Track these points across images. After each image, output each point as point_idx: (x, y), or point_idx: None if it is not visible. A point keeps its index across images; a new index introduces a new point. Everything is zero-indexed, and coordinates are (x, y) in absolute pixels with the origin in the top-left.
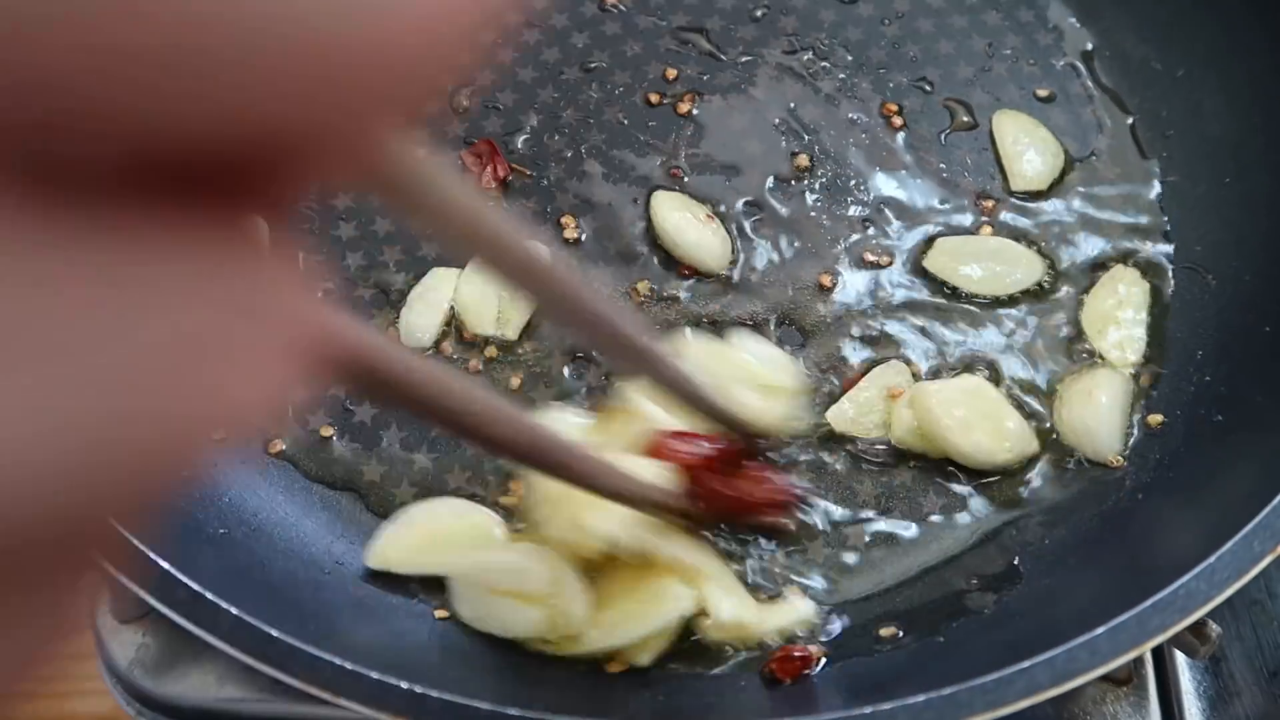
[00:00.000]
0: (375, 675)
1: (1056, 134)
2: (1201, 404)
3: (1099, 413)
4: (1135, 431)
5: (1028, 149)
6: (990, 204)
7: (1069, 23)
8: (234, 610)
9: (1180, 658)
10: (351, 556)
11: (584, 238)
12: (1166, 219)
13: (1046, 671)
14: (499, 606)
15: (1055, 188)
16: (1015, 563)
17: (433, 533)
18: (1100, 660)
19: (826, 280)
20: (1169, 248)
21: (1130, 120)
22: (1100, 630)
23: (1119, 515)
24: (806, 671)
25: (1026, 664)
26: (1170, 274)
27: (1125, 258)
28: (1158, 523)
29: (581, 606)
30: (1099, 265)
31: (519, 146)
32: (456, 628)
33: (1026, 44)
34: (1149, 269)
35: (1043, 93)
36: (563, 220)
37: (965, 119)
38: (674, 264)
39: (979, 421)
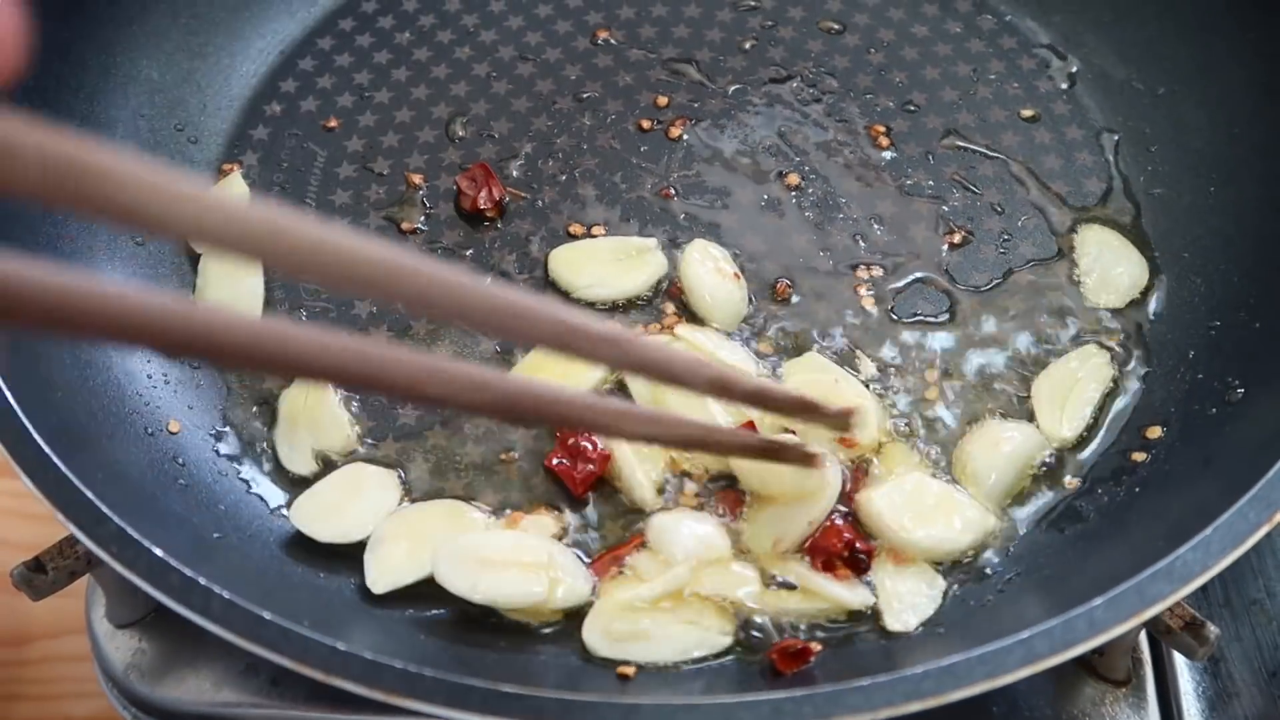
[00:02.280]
0: (369, 655)
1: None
2: (1195, 400)
3: (1000, 463)
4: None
5: (1097, 274)
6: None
7: (1051, 48)
8: (226, 594)
9: (1179, 659)
10: (349, 566)
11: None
12: (1157, 253)
13: (1045, 641)
14: (494, 573)
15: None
16: (1016, 559)
17: (421, 535)
18: (1098, 630)
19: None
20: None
21: (1115, 138)
22: (1098, 601)
23: (1118, 509)
24: (805, 665)
25: (1025, 634)
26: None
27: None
28: (1155, 513)
29: (585, 582)
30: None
31: (513, 172)
32: (456, 633)
33: (1010, 68)
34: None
35: (1027, 114)
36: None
37: (960, 143)
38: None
39: (929, 515)
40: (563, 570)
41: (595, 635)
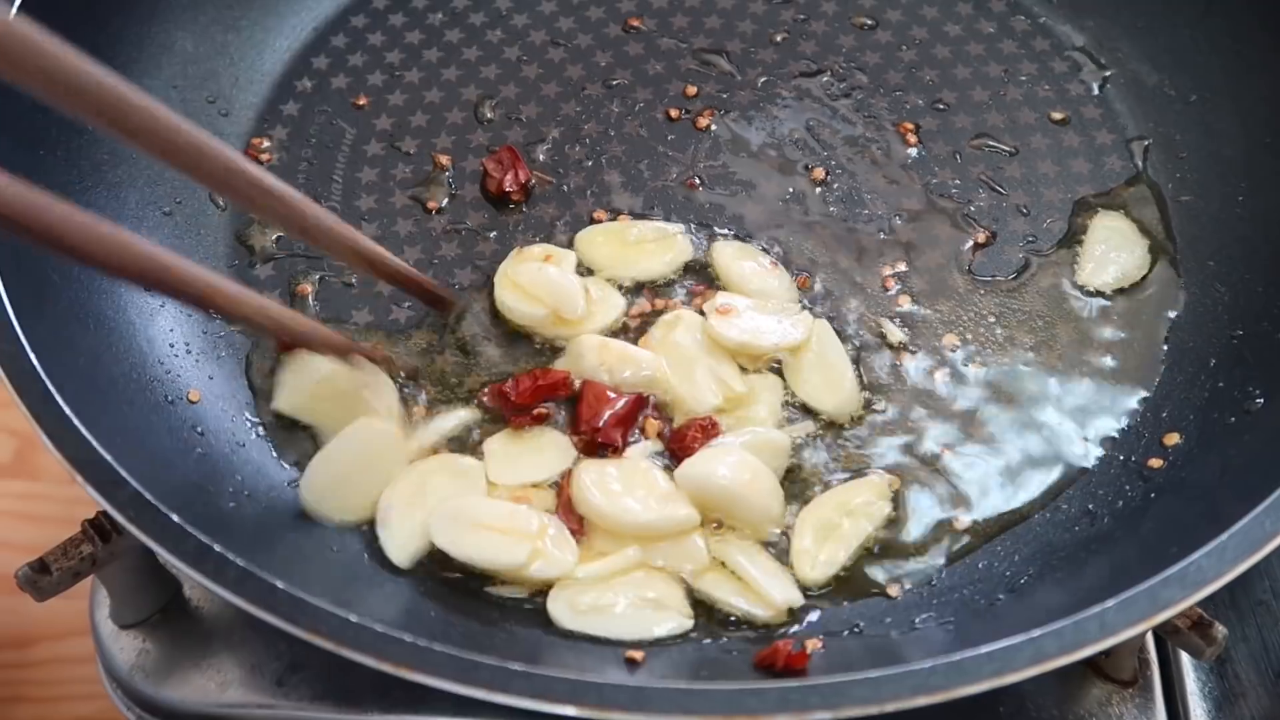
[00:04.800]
0: (379, 628)
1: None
2: (1214, 409)
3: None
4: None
5: (1106, 254)
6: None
7: (1084, 51)
8: (240, 562)
9: (1186, 659)
10: (362, 534)
11: None
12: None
13: (1055, 641)
14: (480, 535)
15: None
16: (1030, 559)
17: (427, 499)
18: (1109, 632)
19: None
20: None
21: (1145, 143)
22: (1110, 603)
23: (1133, 514)
24: (802, 665)
25: (1036, 633)
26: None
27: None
28: (1170, 519)
29: (570, 554)
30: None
31: (540, 156)
32: (468, 608)
33: (1042, 70)
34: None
35: (1058, 116)
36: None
37: (989, 143)
38: None
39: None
40: (549, 542)
41: (561, 607)
